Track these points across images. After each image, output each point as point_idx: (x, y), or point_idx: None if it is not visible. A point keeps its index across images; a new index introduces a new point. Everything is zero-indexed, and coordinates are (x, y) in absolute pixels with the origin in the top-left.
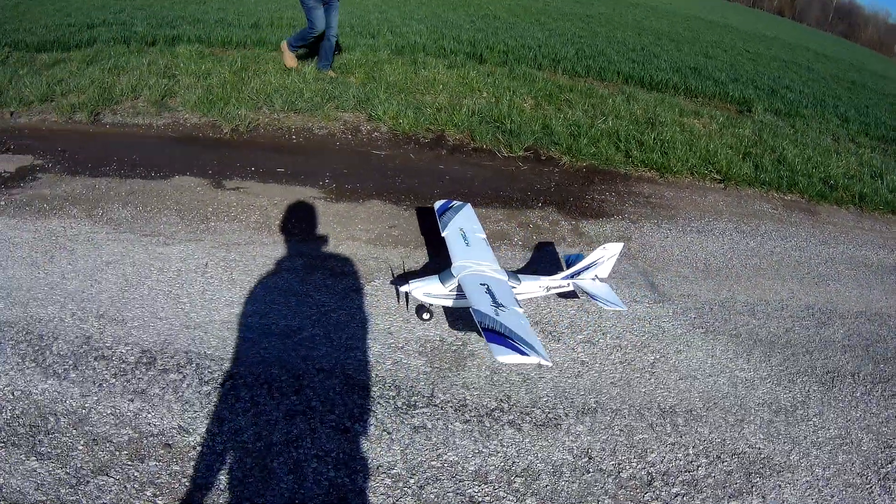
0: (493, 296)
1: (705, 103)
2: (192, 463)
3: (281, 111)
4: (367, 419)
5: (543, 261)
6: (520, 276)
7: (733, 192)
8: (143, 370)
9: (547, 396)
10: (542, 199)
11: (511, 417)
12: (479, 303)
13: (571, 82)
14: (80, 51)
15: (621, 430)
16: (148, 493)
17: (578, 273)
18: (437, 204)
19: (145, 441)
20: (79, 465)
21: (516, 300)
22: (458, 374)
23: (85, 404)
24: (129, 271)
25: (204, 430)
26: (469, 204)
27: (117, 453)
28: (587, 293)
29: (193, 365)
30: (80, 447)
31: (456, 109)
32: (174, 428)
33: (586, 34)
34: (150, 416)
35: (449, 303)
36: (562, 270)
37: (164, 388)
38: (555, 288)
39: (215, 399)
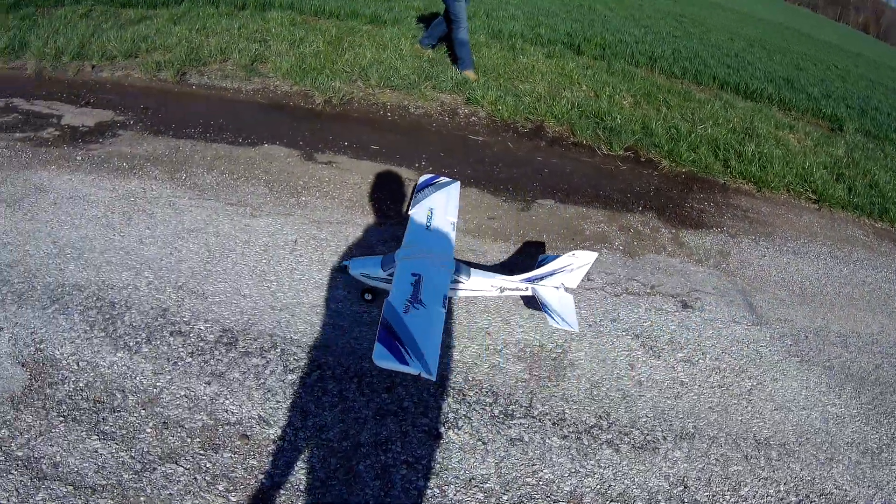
0: (417, 289)
1: (798, 117)
2: (271, 458)
3: (376, 86)
4: (462, 426)
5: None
6: (473, 270)
7: (827, 213)
8: (223, 351)
9: (646, 417)
10: (643, 203)
11: (609, 437)
12: (396, 295)
13: (669, 83)
14: (166, 9)
15: (717, 460)
16: (220, 488)
17: (541, 278)
18: (423, 178)
19: (221, 430)
20: (145, 450)
21: (444, 299)
22: (558, 384)
23: (157, 383)
24: (213, 242)
25: (286, 422)
26: (458, 182)
27: (189, 440)
28: (540, 303)
29: (278, 350)
30: (149, 430)
31: (555, 100)
32: (253, 418)
33: (680, 34)
34: (227, 402)
35: (384, 286)
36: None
37: (244, 372)
38: (511, 290)
39: (300, 390)
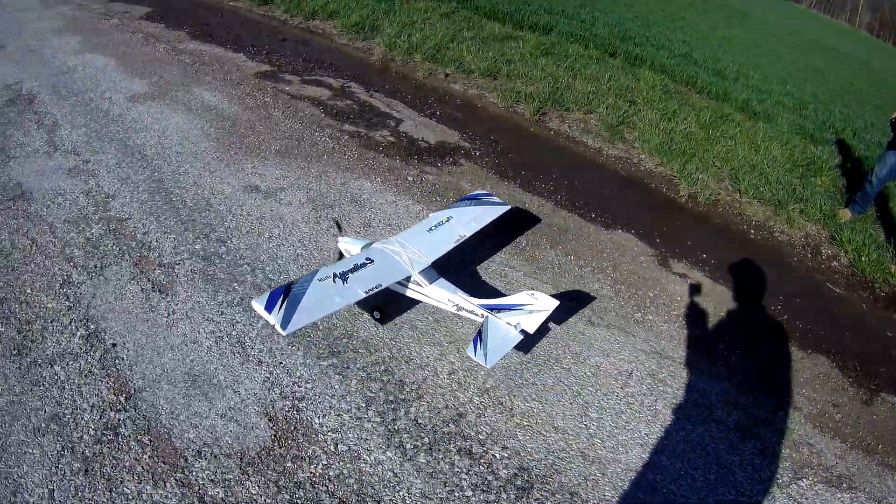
0: (356, 270)
1: None
2: None
3: (744, 194)
4: None
5: None
6: (440, 280)
7: None
8: (512, 495)
9: None
10: None
11: None
12: (334, 266)
13: None
14: (533, 34)
15: None
16: None
17: (499, 310)
18: (475, 192)
19: None
20: None
21: (375, 288)
22: None
23: None
24: (538, 341)
25: None
26: (506, 206)
27: None
28: (479, 330)
29: None
30: None
31: None
32: None
33: None
34: None
35: None
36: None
37: None
38: (466, 311)
39: None
